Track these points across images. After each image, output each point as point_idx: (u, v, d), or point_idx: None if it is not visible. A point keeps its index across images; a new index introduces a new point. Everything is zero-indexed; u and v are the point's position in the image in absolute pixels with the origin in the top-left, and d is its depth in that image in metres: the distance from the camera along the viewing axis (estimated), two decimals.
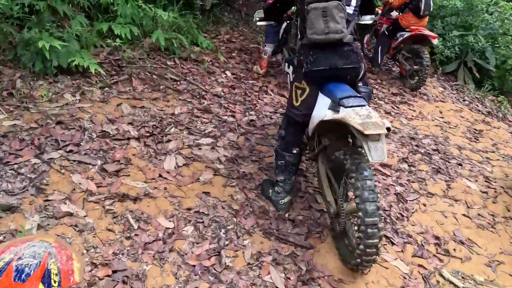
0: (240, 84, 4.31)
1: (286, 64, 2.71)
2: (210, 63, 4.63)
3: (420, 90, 5.40)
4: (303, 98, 2.23)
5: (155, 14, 4.63)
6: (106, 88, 3.42)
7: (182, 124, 3.19)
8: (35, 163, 2.35)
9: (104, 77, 3.49)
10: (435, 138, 4.03)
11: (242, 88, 4.19)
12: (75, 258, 0.88)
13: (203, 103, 3.64)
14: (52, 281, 0.79)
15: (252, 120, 3.53)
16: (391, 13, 5.72)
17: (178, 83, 3.89)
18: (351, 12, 2.12)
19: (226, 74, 4.46)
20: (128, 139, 2.82)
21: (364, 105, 1.93)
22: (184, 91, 3.77)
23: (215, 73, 4.41)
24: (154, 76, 3.84)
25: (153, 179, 2.50)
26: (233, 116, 3.53)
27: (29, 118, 2.77)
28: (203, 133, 3.16)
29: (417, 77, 5.28)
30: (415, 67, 5.30)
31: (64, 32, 3.75)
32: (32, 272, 0.76)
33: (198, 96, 3.74)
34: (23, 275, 0.75)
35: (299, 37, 2.29)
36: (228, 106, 3.69)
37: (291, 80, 2.66)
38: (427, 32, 5.11)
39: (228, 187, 2.61)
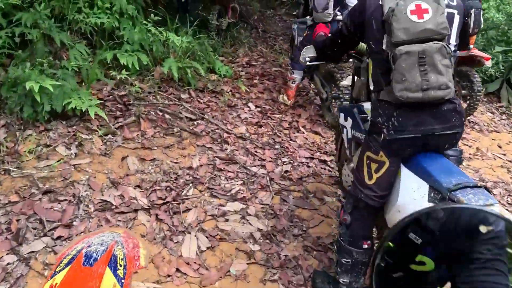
0: (267, 119, 3.67)
1: (342, 114, 2.06)
2: (230, 93, 4.01)
3: (468, 118, 4.70)
4: (379, 174, 1.58)
5: (167, 39, 4.04)
6: (109, 136, 2.80)
7: (203, 183, 2.56)
8: (8, 263, 1.72)
9: (107, 121, 2.88)
10: (506, 186, 3.33)
11: (269, 125, 3.55)
12: (141, 246, 0.93)
13: (226, 148, 3.01)
14: (118, 265, 0.81)
15: (286, 172, 2.88)
16: None
17: (195, 123, 3.26)
18: (451, 53, 1.47)
19: (249, 107, 3.83)
20: (136, 210, 2.19)
21: (492, 204, 1.26)
22: (203, 133, 3.14)
23: (237, 106, 3.78)
24: (167, 116, 3.23)
25: (169, 276, 1.86)
26: (263, 166, 2.89)
27: (9, 186, 2.16)
28: (229, 194, 2.51)
29: (466, 104, 4.59)
30: (463, 91, 4.61)
31: (59, 66, 3.16)
32: (99, 257, 0.81)
33: (219, 140, 3.10)
34: (91, 260, 0.79)
35: (373, 88, 1.64)
36: (256, 152, 3.05)
37: (350, 140, 2.00)
38: (479, 52, 4.42)
39: (268, 282, 1.95)
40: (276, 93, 4.29)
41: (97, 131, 2.81)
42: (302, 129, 3.60)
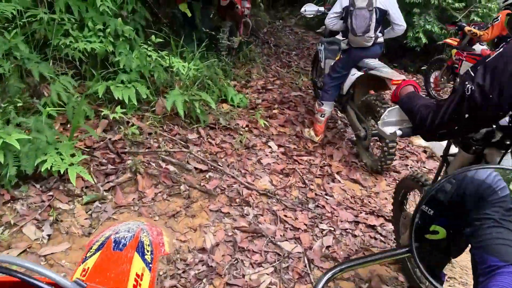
0: (293, 164, 2.99)
1: None
2: (246, 129, 3.35)
3: None
4: None
5: (171, 65, 3.40)
6: (96, 204, 2.14)
7: (220, 275, 1.88)
8: None
9: (94, 182, 2.22)
10: None
11: (297, 173, 2.87)
12: (165, 233, 0.96)
13: (247, 213, 2.33)
14: (145, 250, 0.84)
15: (328, 247, 2.19)
16: (474, 47, 4.38)
17: (207, 176, 2.60)
18: None
19: (270, 147, 3.16)
20: None
21: None
22: (217, 190, 2.47)
23: (256, 147, 3.11)
24: (171, 168, 2.56)
25: None
26: (297, 240, 2.21)
27: None
28: None
29: None
30: None
31: (39, 104, 2.53)
32: (127, 242, 0.84)
33: (238, 200, 2.43)
34: (120, 245, 0.82)
35: None
36: (286, 216, 2.38)
37: None
38: None
39: None
40: (300, 126, 3.62)
41: (81, 197, 2.15)
42: (337, 176, 2.92)
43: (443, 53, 6.06)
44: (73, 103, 2.84)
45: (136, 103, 3.01)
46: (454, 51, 4.47)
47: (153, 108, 3.16)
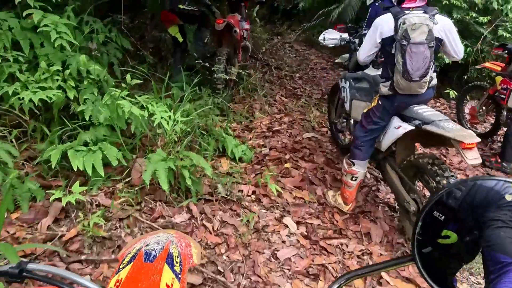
0: (320, 255, 2.17)
1: None
2: (253, 198, 2.54)
3: None
4: None
5: (152, 115, 2.58)
6: None
7: None
8: None
9: None
10: None
11: (328, 272, 2.04)
12: (193, 245, 0.98)
13: None
14: (175, 261, 0.87)
15: None
16: None
17: None
18: None
19: (287, 226, 2.34)
20: None
21: None
22: None
23: (267, 229, 2.29)
24: None
25: None
26: None
27: None
28: None
29: None
30: None
31: None
32: (157, 254, 0.87)
33: None
34: (150, 257, 0.86)
35: None
36: None
37: None
38: None
39: None
40: (321, 186, 2.81)
41: None
42: (384, 275, 2.09)
43: (471, 73, 5.32)
44: (13, 180, 2.02)
45: (103, 175, 2.18)
46: (499, 78, 3.70)
47: (129, 178, 2.34)
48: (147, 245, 0.90)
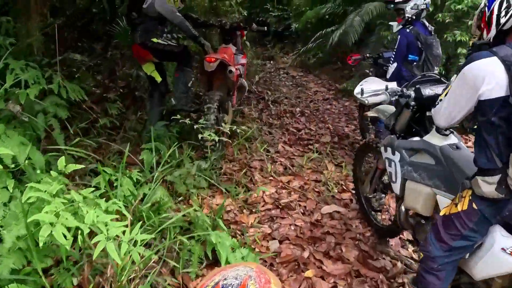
0: None
1: None
2: None
3: None
4: None
5: (91, 234, 1.58)
6: None
7: None
8: None
9: None
10: None
11: None
12: (273, 281, 0.94)
13: None
14: None
15: None
16: None
17: None
18: None
19: None
20: None
21: None
22: None
23: None
24: None
25: None
26: None
27: None
28: None
29: None
30: None
31: None
32: None
33: None
34: None
35: None
36: None
37: None
38: None
39: None
40: None
41: None
42: None
43: None
44: None
45: None
46: None
47: None
48: (225, 279, 0.88)
